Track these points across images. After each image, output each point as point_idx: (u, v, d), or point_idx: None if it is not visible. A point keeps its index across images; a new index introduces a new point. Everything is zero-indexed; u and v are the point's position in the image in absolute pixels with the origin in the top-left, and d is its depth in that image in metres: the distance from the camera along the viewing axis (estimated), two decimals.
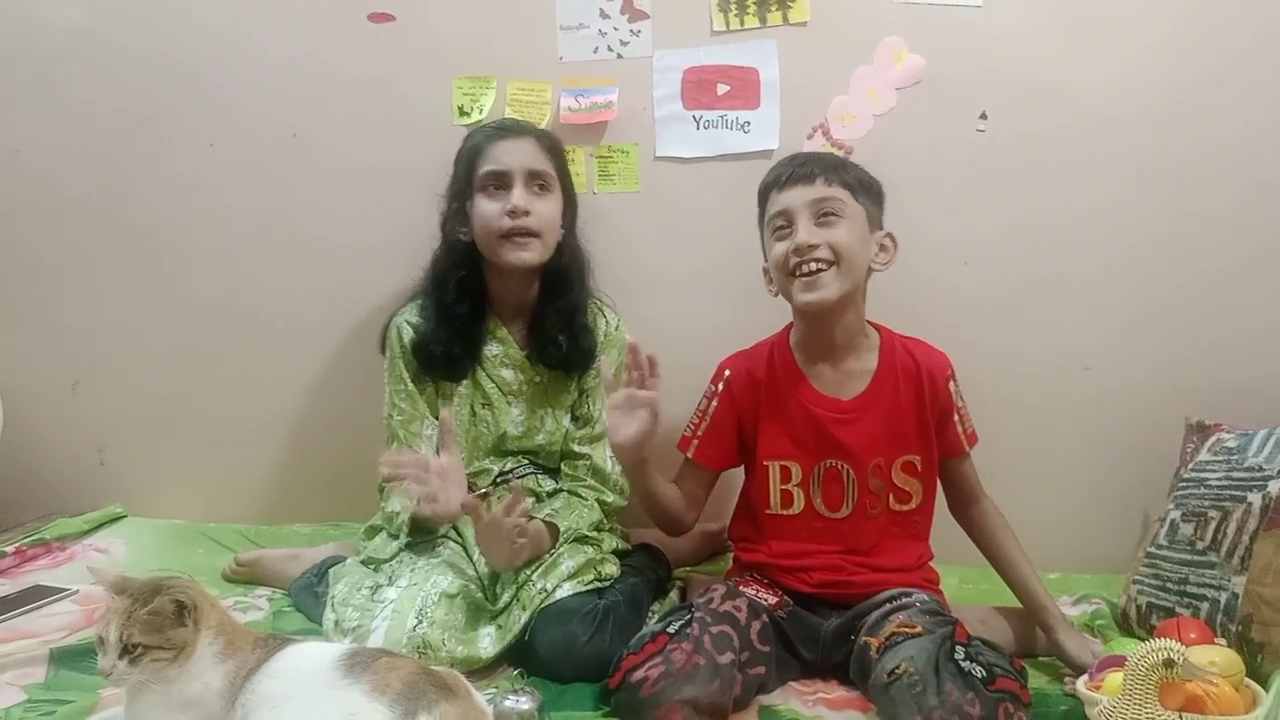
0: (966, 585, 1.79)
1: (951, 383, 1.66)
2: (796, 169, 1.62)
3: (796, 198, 1.60)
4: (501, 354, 1.84)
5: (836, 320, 1.63)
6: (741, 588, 1.61)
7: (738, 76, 2.03)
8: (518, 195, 1.73)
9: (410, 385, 1.82)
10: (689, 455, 1.73)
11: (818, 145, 2.02)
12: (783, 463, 1.66)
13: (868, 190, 1.63)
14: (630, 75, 2.06)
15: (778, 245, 1.61)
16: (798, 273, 1.58)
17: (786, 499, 1.67)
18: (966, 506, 1.72)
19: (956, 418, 1.67)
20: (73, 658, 1.55)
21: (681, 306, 2.10)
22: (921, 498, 1.66)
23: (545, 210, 1.77)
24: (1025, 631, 1.66)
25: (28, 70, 2.22)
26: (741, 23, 2.02)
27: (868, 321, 1.68)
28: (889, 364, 1.64)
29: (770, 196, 1.65)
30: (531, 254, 1.76)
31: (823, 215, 1.58)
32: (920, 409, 1.64)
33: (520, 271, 1.79)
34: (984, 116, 1.98)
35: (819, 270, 1.56)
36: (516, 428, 1.85)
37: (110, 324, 2.28)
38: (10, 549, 2.03)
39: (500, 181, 1.76)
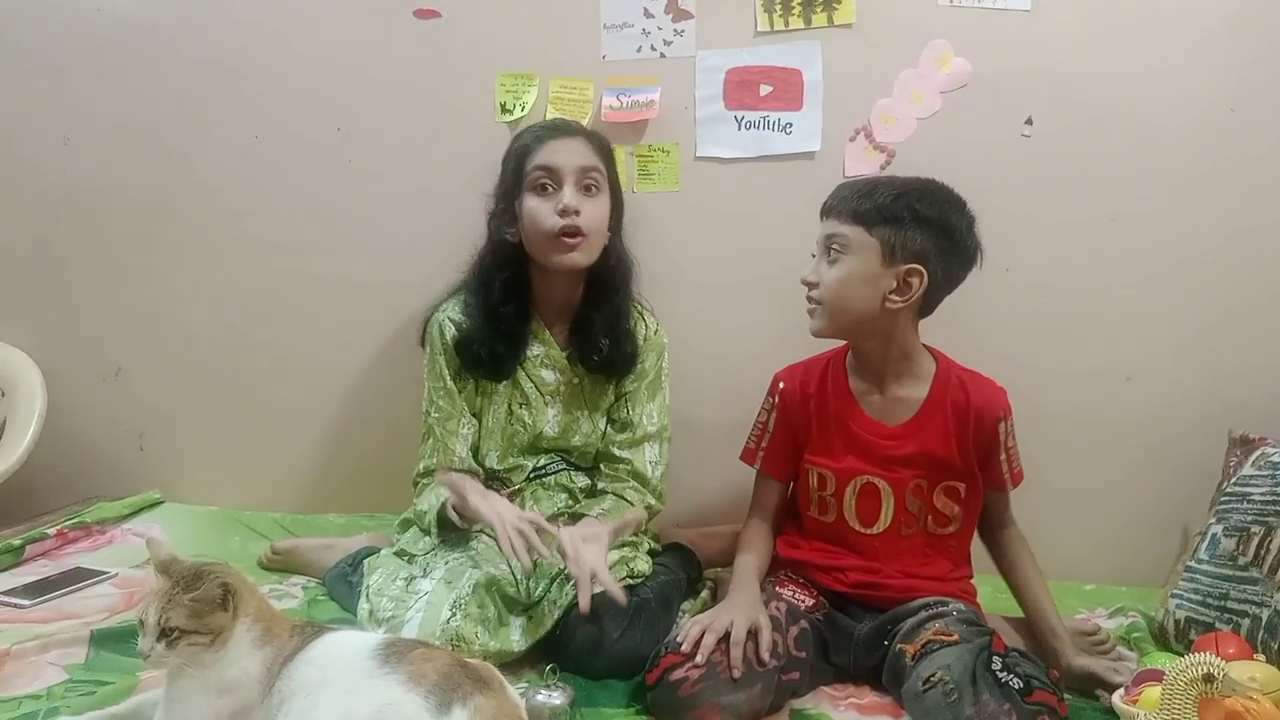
0: (1000, 595, 1.78)
1: (1002, 423, 1.63)
2: (828, 200, 1.62)
3: (821, 230, 1.62)
4: (543, 354, 1.84)
5: (869, 348, 1.64)
6: (779, 588, 1.62)
7: (781, 77, 2.03)
8: (569, 194, 1.73)
9: (450, 383, 1.82)
10: (758, 468, 1.75)
11: (860, 148, 2.01)
12: (820, 470, 1.66)
13: (895, 220, 1.55)
14: (673, 75, 2.06)
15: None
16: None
17: (822, 505, 1.67)
18: (993, 530, 1.71)
19: (1003, 456, 1.65)
20: (113, 639, 1.58)
21: (720, 307, 2.10)
22: (961, 524, 1.65)
23: (594, 211, 1.76)
24: None
25: (78, 60, 2.26)
26: (786, 24, 2.01)
27: (927, 349, 1.66)
28: (939, 396, 1.62)
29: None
30: (580, 255, 1.75)
31: (830, 250, 1.59)
32: (964, 443, 1.62)
33: (567, 273, 1.79)
34: (1029, 122, 1.97)
35: (814, 303, 1.61)
36: (553, 428, 1.85)
37: (153, 312, 2.31)
38: (52, 531, 2.07)
39: (552, 179, 1.74)
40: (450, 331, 1.82)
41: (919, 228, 1.55)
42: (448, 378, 1.82)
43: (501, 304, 1.80)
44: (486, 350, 1.79)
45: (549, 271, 1.79)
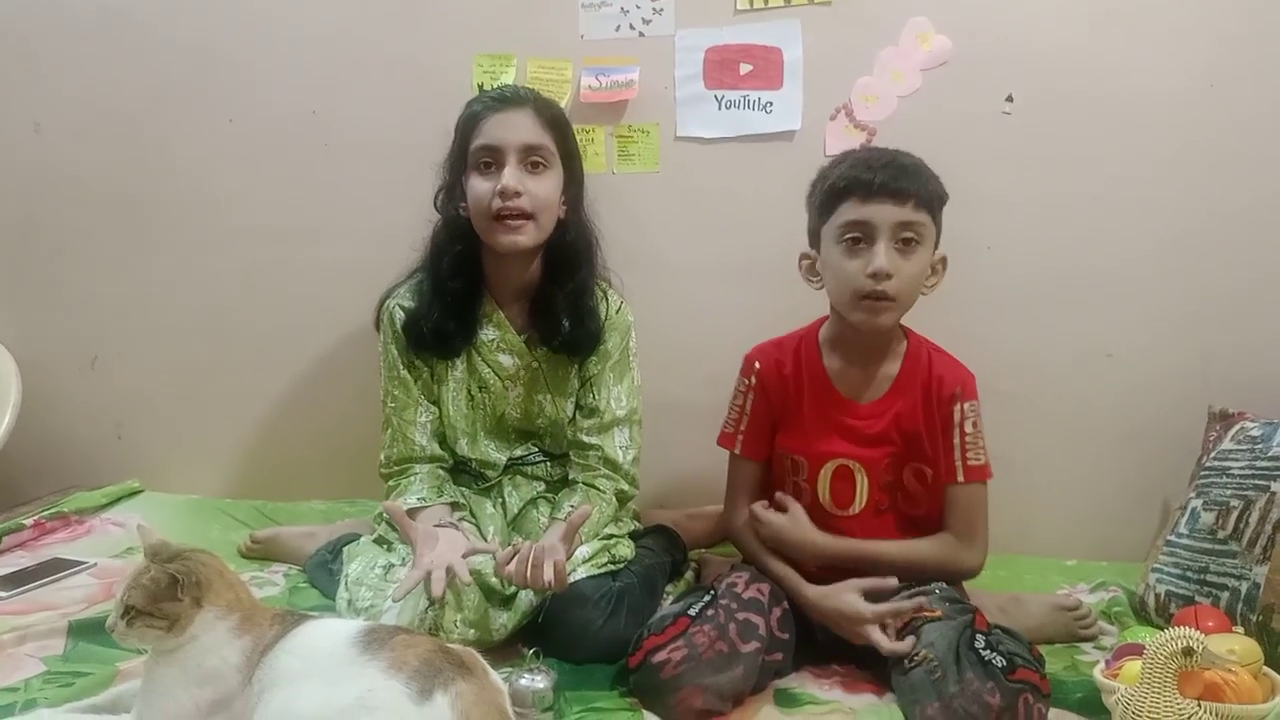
0: (984, 572, 1.78)
1: (959, 403, 1.58)
2: (889, 181, 1.49)
3: (884, 215, 1.49)
4: (498, 339, 1.78)
5: (860, 327, 1.60)
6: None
7: (761, 56, 2.01)
8: (509, 175, 1.64)
9: (403, 372, 1.78)
10: (736, 451, 1.71)
11: (841, 127, 2.00)
12: (793, 456, 1.65)
13: (942, 205, 1.55)
14: (652, 54, 2.04)
15: (848, 260, 1.52)
16: (865, 295, 1.51)
17: (797, 490, 1.66)
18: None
19: (956, 440, 1.58)
20: (91, 630, 1.56)
21: (701, 288, 2.09)
22: (930, 507, 1.63)
23: (540, 189, 1.67)
24: (1044, 618, 1.65)
25: (48, 45, 2.23)
26: (765, 2, 2.00)
27: (899, 326, 1.65)
28: (910, 373, 1.61)
29: (847, 201, 1.52)
30: (524, 237, 1.67)
31: (904, 240, 1.50)
32: (930, 422, 1.59)
33: (517, 254, 1.73)
34: (1010, 100, 1.96)
35: (885, 299, 1.50)
36: (515, 411, 1.82)
37: (129, 299, 2.29)
38: (29, 522, 2.05)
39: (493, 159, 1.67)
40: (400, 318, 1.77)
41: (942, 210, 1.58)
42: (400, 367, 1.78)
43: (450, 280, 1.74)
44: (431, 328, 1.73)
45: (500, 252, 1.72)
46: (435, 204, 1.80)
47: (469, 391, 1.81)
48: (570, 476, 1.82)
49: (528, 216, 1.67)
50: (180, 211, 2.24)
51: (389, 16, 2.09)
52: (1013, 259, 2.00)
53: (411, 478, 1.76)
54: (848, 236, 1.53)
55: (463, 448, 1.82)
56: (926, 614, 1.45)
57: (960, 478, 1.60)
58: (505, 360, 1.80)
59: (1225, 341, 1.97)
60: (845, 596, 1.50)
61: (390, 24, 2.09)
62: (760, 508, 1.62)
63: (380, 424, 1.83)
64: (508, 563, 1.52)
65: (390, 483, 1.78)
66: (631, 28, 2.04)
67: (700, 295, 2.09)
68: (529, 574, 1.50)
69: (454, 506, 1.75)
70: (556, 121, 1.73)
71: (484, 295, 1.79)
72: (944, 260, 1.60)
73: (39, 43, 2.22)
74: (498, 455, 1.83)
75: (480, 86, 2.06)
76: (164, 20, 2.17)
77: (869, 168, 1.52)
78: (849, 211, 1.52)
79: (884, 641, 1.44)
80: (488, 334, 1.79)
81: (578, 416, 1.82)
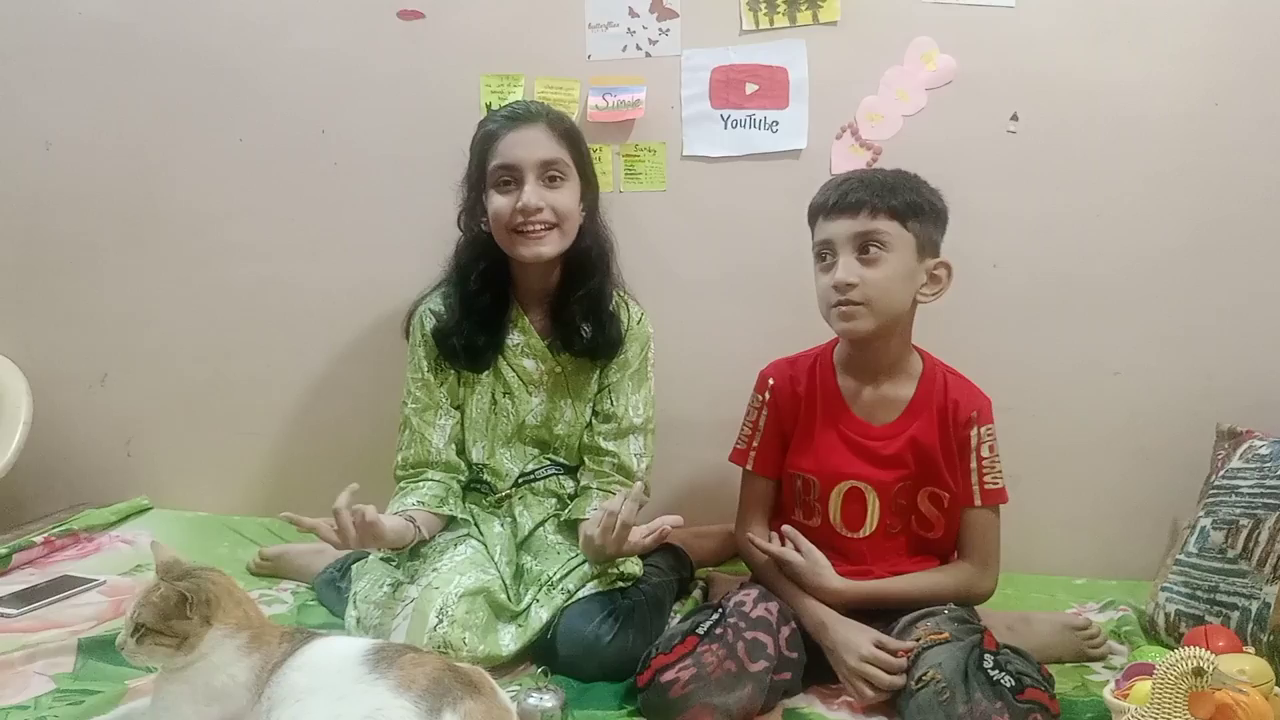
0: (1001, 591, 1.77)
1: (975, 428, 1.60)
2: (842, 197, 1.56)
3: (840, 230, 1.56)
4: (523, 343, 1.81)
5: (876, 346, 1.61)
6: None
7: (766, 76, 2.02)
8: (529, 193, 1.69)
9: (427, 375, 1.80)
10: (749, 467, 1.72)
11: (846, 146, 2.01)
12: (804, 475, 1.65)
13: (922, 213, 1.56)
14: (658, 74, 2.05)
15: (820, 276, 1.60)
16: (834, 305, 1.57)
17: (808, 509, 1.66)
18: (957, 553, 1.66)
19: (974, 465, 1.61)
20: (101, 648, 1.56)
21: (707, 306, 2.10)
22: (945, 530, 1.63)
23: (560, 201, 1.72)
24: (1053, 638, 1.65)
25: (59, 64, 2.25)
26: (771, 22, 2.01)
27: (915, 348, 1.65)
28: (925, 396, 1.62)
29: (817, 221, 1.62)
30: (547, 247, 1.72)
31: (864, 250, 1.55)
32: (946, 440, 1.60)
33: (541, 263, 1.76)
34: (1015, 118, 1.97)
35: (855, 304, 1.55)
36: (535, 417, 1.83)
37: (139, 317, 2.31)
38: (39, 539, 2.05)
39: (511, 176, 1.71)
40: (430, 323, 1.80)
41: (936, 220, 1.59)
42: (425, 369, 1.80)
43: (478, 294, 1.78)
44: (463, 342, 1.77)
45: (523, 261, 1.75)
46: (459, 223, 1.83)
47: (493, 396, 1.82)
48: (583, 484, 1.82)
49: (551, 226, 1.71)
50: (190, 229, 2.25)
51: (398, 36, 2.11)
52: (1018, 276, 2.00)
53: (422, 482, 1.76)
54: (819, 255, 1.61)
55: (479, 453, 1.82)
56: (933, 637, 1.45)
57: (978, 501, 1.62)
58: (529, 364, 1.82)
59: (1233, 359, 1.97)
60: (853, 631, 1.50)
61: (399, 44, 2.11)
62: (775, 546, 1.60)
63: (397, 428, 1.83)
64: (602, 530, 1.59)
65: (400, 485, 1.78)
66: (638, 48, 2.05)
67: (707, 313, 2.09)
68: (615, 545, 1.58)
69: (452, 521, 1.75)
70: (570, 134, 1.77)
71: (511, 303, 1.82)
72: (946, 267, 1.60)
73: (48, 62, 2.24)
74: (511, 465, 1.83)
75: (488, 106, 2.07)
76: (175, 41, 2.19)
77: (826, 189, 1.61)
78: (817, 233, 1.62)
79: (883, 676, 1.43)
80: (513, 339, 1.81)
81: (594, 422, 1.83)
